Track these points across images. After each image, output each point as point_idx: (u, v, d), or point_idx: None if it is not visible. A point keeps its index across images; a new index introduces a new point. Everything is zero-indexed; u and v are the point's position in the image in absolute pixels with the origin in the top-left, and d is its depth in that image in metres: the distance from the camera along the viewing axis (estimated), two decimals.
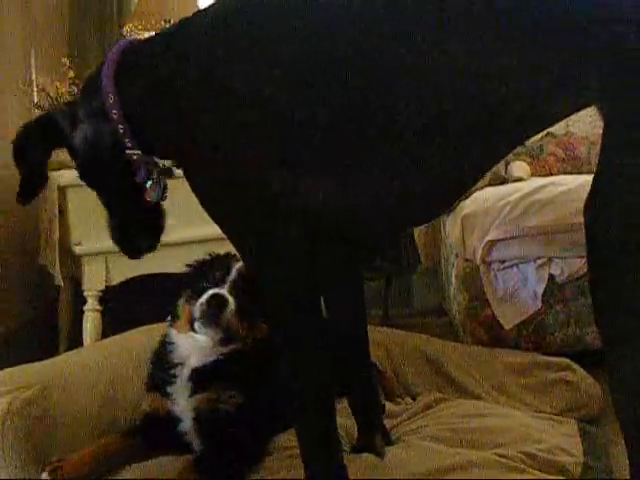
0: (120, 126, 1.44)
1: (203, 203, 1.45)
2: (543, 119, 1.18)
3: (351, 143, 1.24)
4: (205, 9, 1.43)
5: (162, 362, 1.79)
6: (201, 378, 1.73)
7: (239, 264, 1.76)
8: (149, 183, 1.53)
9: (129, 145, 1.46)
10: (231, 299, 1.71)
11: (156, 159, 1.52)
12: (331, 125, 1.24)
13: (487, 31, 1.09)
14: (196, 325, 1.72)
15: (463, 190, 1.34)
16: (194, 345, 1.75)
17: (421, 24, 1.14)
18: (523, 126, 1.18)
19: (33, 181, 1.55)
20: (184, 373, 1.74)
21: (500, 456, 1.62)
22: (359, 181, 1.28)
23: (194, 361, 1.75)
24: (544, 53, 1.06)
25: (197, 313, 1.72)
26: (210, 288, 1.73)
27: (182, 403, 1.73)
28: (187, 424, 1.73)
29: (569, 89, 1.09)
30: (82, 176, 1.57)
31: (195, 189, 1.46)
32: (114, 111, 1.43)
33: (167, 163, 1.54)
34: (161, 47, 1.43)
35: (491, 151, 1.23)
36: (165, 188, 1.56)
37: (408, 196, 1.28)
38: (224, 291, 1.72)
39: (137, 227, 1.60)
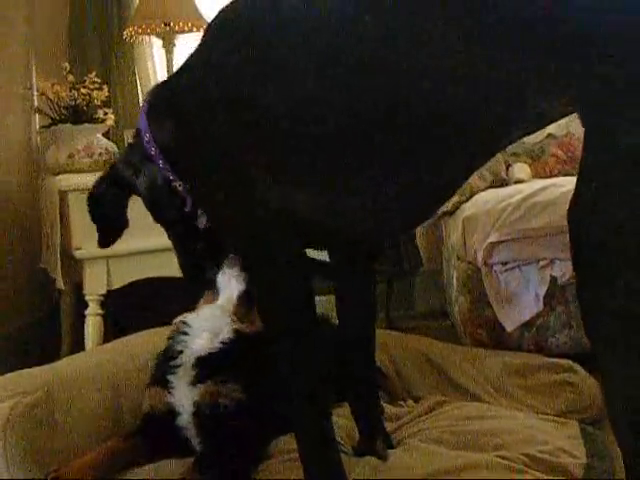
0: (160, 161, 1.50)
1: (205, 212, 1.52)
2: (526, 121, 1.17)
3: (344, 147, 1.25)
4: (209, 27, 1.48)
5: (168, 352, 1.80)
6: (205, 366, 1.72)
7: None
8: (200, 211, 1.59)
9: (171, 178, 1.52)
10: None
11: None
12: (322, 131, 1.25)
13: (468, 32, 1.09)
14: (223, 266, 1.77)
15: (452, 190, 1.34)
16: (213, 314, 1.78)
17: (404, 26, 1.15)
18: (505, 128, 1.17)
19: (114, 229, 1.67)
20: (189, 361, 1.74)
21: (502, 458, 1.62)
22: (352, 186, 1.29)
23: (201, 346, 1.75)
24: (522, 54, 1.05)
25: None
26: None
27: (182, 391, 1.72)
28: (185, 418, 1.72)
29: (549, 92, 1.08)
30: (153, 217, 1.65)
31: (199, 202, 1.53)
32: (152, 148, 1.50)
33: None
34: (175, 77, 1.51)
35: (478, 151, 1.23)
36: None
37: (398, 195, 1.29)
38: None
39: (201, 257, 1.70)
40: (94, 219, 1.66)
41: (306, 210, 1.35)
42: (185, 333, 1.79)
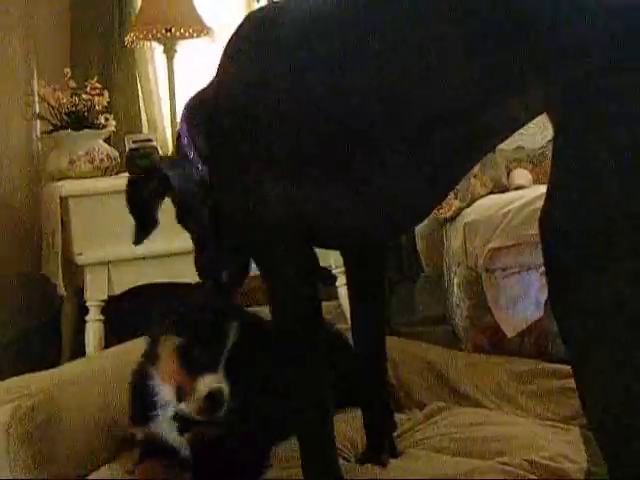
0: (197, 165, 1.51)
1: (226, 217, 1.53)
2: (493, 127, 1.17)
3: (343, 151, 1.27)
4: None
5: (142, 398, 1.67)
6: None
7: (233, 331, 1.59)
8: None
9: (207, 180, 1.53)
10: (226, 389, 1.54)
11: None
12: (317, 140, 1.28)
13: (435, 35, 1.10)
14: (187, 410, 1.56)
15: (447, 190, 1.36)
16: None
17: (407, 34, 1.15)
18: (471, 136, 1.17)
19: (146, 226, 1.62)
20: (168, 413, 1.62)
21: (503, 464, 1.62)
22: (352, 187, 1.30)
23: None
24: (491, 56, 1.06)
25: (191, 406, 1.54)
26: (202, 365, 1.56)
27: (170, 435, 1.63)
28: (184, 452, 1.63)
29: (515, 95, 1.08)
30: (178, 216, 1.63)
31: (221, 206, 1.53)
32: (191, 152, 1.52)
33: None
34: (206, 86, 1.55)
35: (451, 162, 1.24)
36: None
37: (399, 195, 1.30)
38: (221, 381, 1.54)
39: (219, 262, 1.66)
40: (131, 211, 1.62)
41: (313, 212, 1.37)
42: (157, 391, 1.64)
